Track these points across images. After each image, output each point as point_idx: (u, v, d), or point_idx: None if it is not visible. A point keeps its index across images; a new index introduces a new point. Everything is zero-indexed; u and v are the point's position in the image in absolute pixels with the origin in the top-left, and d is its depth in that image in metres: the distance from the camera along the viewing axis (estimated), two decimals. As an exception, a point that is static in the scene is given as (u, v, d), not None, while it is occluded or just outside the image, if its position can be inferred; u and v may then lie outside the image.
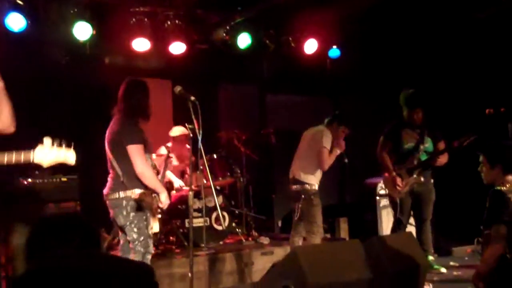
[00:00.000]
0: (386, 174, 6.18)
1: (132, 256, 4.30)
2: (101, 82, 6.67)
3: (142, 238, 4.33)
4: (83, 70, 6.91)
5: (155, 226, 4.46)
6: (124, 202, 4.32)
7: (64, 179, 5.93)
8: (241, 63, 8.14)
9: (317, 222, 5.60)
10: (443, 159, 6.00)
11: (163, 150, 6.23)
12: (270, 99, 8.91)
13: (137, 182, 4.33)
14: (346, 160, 5.78)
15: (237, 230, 7.15)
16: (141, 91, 4.53)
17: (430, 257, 6.04)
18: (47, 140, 3.47)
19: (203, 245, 6.24)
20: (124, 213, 4.32)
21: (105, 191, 4.45)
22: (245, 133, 7.30)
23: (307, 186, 5.68)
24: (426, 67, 7.86)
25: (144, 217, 4.34)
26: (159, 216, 4.55)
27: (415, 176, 5.99)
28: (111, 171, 4.45)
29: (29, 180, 5.74)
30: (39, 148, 3.45)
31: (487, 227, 3.53)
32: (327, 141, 5.66)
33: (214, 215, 6.68)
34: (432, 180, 6.20)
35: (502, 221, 3.43)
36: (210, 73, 8.27)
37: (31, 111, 6.54)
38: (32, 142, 6.39)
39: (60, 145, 3.51)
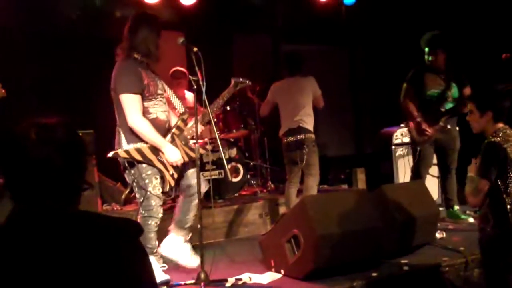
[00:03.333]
0: (411, 122, 5.87)
1: (139, 219, 4.01)
2: (113, 35, 6.63)
3: (142, 199, 3.97)
4: (94, 24, 6.87)
5: (164, 183, 4.04)
6: (123, 160, 3.98)
7: (79, 133, 5.95)
8: (254, 13, 8.01)
9: (317, 166, 5.88)
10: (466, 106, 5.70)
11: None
12: (284, 49, 8.78)
13: (134, 136, 3.96)
14: None
15: (252, 182, 7.19)
16: (147, 26, 4.03)
17: (456, 207, 5.87)
18: None
19: (217, 197, 6.34)
20: (127, 171, 4.00)
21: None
22: (259, 84, 7.23)
23: (312, 135, 5.80)
24: (444, 12, 7.62)
25: (145, 174, 3.95)
26: (171, 171, 4.04)
27: (441, 123, 5.73)
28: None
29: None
30: None
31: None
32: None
33: (229, 168, 6.68)
34: (457, 128, 5.93)
35: (488, 177, 3.31)
36: (224, 24, 8.16)
37: (42, 67, 6.57)
38: (43, 97, 6.47)
39: None
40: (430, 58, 5.79)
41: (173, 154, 4.01)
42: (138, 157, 3.95)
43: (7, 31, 6.21)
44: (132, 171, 3.98)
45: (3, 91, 4.55)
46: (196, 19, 7.50)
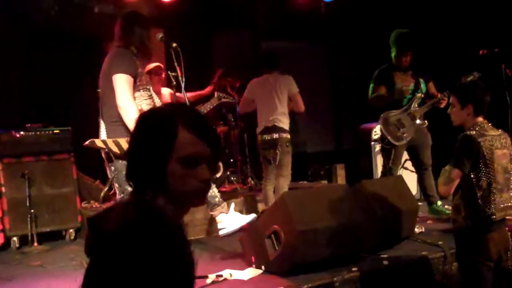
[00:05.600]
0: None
1: None
2: (91, 32, 6.57)
3: (122, 195, 3.86)
4: (72, 20, 6.79)
5: None
6: (104, 154, 3.93)
7: (56, 131, 5.88)
8: (234, 9, 7.99)
9: (290, 166, 5.88)
10: (445, 101, 5.55)
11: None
12: (264, 46, 8.78)
13: (115, 129, 3.86)
14: None
15: (232, 178, 7.18)
16: (142, 25, 4.06)
17: (439, 203, 5.84)
18: None
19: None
20: (109, 164, 3.95)
21: None
22: (239, 81, 7.22)
23: (287, 134, 5.80)
24: (422, 8, 7.68)
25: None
26: None
27: (418, 121, 5.70)
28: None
29: (21, 132, 5.70)
30: None
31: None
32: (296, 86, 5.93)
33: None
34: (426, 123, 5.84)
35: (460, 168, 3.36)
36: (204, 20, 8.13)
37: (20, 64, 6.48)
38: (20, 95, 6.39)
39: None
40: (397, 57, 5.72)
41: None
42: (115, 149, 3.85)
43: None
44: (113, 168, 3.92)
45: None
46: (175, 15, 7.46)
